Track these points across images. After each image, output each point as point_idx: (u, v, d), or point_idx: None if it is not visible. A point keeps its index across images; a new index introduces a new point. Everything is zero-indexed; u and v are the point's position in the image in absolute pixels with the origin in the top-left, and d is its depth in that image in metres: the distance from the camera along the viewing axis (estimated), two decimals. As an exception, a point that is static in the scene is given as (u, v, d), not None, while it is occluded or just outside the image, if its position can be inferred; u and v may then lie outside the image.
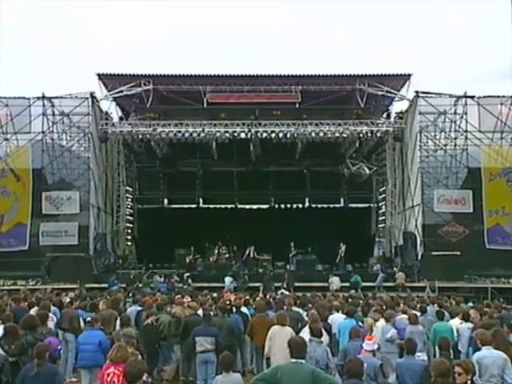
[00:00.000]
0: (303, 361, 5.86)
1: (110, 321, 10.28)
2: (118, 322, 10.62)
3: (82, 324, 11.23)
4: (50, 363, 6.94)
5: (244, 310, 12.69)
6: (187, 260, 28.62)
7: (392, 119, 30.75)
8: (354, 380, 6.14)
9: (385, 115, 31.67)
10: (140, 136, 29.86)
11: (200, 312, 11.51)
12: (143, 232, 35.06)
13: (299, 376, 5.58)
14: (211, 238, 30.55)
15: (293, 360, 5.82)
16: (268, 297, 17.37)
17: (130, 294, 17.35)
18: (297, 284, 25.54)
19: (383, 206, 34.45)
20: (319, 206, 37.42)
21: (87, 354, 8.96)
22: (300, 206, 37.69)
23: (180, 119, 29.67)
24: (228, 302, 12.31)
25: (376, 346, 8.11)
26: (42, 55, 63.28)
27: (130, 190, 35.41)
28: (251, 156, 32.89)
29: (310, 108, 29.39)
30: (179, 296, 16.03)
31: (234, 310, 12.42)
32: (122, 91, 29.45)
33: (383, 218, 34.28)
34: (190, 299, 14.93)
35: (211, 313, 11.51)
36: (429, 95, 28.14)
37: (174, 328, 11.13)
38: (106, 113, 30.69)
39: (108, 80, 29.40)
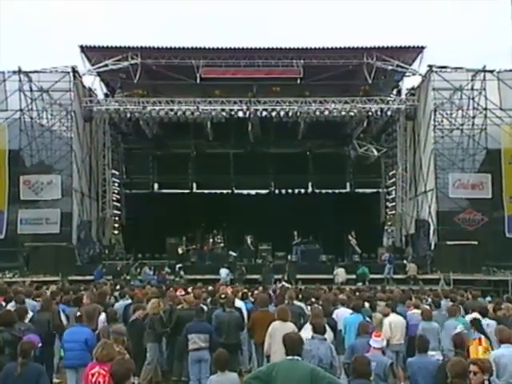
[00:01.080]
0: (299, 358, 5.85)
1: (93, 316, 10.27)
2: (102, 317, 10.62)
3: (64, 320, 11.22)
4: (34, 362, 6.92)
5: (239, 304, 12.72)
6: (179, 250, 28.68)
7: (403, 96, 30.63)
8: (361, 380, 6.13)
9: (395, 92, 31.54)
10: (127, 115, 29.71)
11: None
12: (131, 219, 35.06)
13: (296, 374, 5.57)
14: (206, 226, 30.59)
15: (288, 357, 5.81)
16: (267, 290, 17.38)
17: (117, 287, 17.34)
18: (299, 276, 25.60)
19: (393, 192, 34.45)
20: (323, 191, 37.41)
21: (73, 352, 8.94)
22: (302, 191, 37.67)
23: (171, 96, 29.53)
24: (224, 296, 12.29)
25: (385, 343, 8.10)
26: (17, 25, 62.73)
27: (117, 173, 35.35)
28: (249, 137, 32.79)
29: (313, 84, 29.22)
30: (171, 289, 16.04)
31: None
32: (107, 65, 29.24)
33: (393, 204, 34.29)
34: (183, 292, 14.96)
35: (204, 307, 11.52)
36: (444, 69, 27.99)
37: (155, 324, 11.12)
38: (90, 89, 30.51)
39: (92, 53, 29.17)
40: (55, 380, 10.97)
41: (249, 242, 29.91)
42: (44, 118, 28.46)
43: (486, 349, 8.61)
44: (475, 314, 11.47)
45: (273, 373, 5.58)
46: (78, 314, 9.76)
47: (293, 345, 5.91)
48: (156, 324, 11.04)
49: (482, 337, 8.94)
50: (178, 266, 27.05)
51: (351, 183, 37.93)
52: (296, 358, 5.79)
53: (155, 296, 12.39)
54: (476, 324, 9.58)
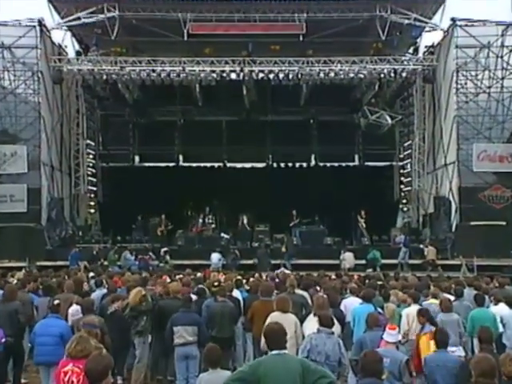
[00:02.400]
0: (286, 351, 5.85)
1: (64, 308, 10.29)
2: (74, 308, 10.63)
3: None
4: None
5: (237, 293, 12.74)
6: (158, 231, 28.80)
7: (421, 55, 30.46)
8: (371, 379, 6.07)
9: (412, 50, 31.32)
10: (104, 76, 29.52)
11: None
12: (109, 197, 35.03)
13: (285, 370, 5.53)
14: (194, 205, 30.60)
15: (274, 352, 5.79)
16: (266, 277, 17.43)
17: (92, 274, 17.38)
18: (301, 261, 25.74)
19: (409, 165, 34.43)
20: (328, 164, 37.37)
21: (45, 348, 8.97)
22: (305, 164, 37.63)
23: (154, 55, 29.29)
24: (216, 284, 12.31)
25: (400, 337, 8.13)
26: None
27: (93, 144, 35.22)
28: (244, 102, 32.63)
29: (318, 41, 29.01)
30: (155, 276, 16.06)
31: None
32: (79, 18, 28.91)
33: (409, 179, 34.29)
34: (168, 280, 14.97)
35: (193, 296, 11.52)
36: (469, 23, 27.79)
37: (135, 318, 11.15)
38: (60, 46, 30.26)
39: (61, 4, 28.85)
40: (23, 381, 11.00)
41: (244, 222, 29.96)
42: (6, 79, 28.24)
43: None
44: (502, 306, 11.53)
45: (259, 371, 5.56)
46: (57, 302, 9.73)
47: (277, 337, 5.88)
48: (141, 317, 11.06)
49: (433, 329, 9.01)
50: (162, 250, 27.12)
51: (360, 155, 37.87)
52: (283, 351, 5.78)
53: (135, 285, 12.38)
54: (424, 313, 9.72)
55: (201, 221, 29.76)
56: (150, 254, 26.85)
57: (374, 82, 30.32)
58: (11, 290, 11.08)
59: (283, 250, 27.14)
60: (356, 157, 38.07)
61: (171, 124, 36.77)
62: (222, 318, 10.87)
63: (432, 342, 8.54)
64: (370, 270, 25.09)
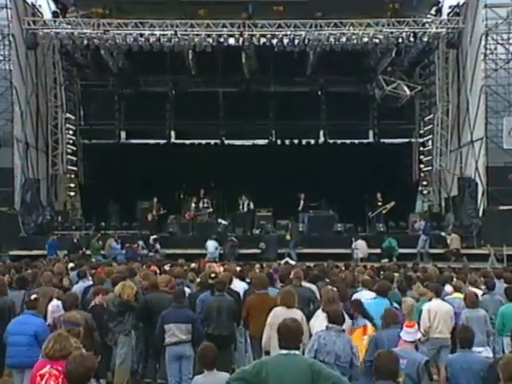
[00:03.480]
0: (297, 351, 5.85)
1: (42, 303, 10.30)
2: (54, 304, 10.65)
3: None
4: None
5: (238, 286, 12.81)
6: (149, 217, 28.85)
7: (445, 16, 30.29)
8: (386, 382, 6.11)
9: (434, 11, 31.18)
10: (84, 41, 29.34)
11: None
12: (92, 178, 35.01)
13: (292, 373, 5.54)
14: (188, 187, 30.57)
15: (283, 351, 5.78)
16: (268, 268, 17.44)
17: (73, 265, 17.42)
18: (308, 250, 25.77)
19: (430, 142, 34.36)
20: (339, 141, 37.31)
21: (18, 348, 8.98)
22: (312, 141, 37.58)
23: (142, 17, 29.11)
24: (213, 275, 12.34)
25: (419, 336, 8.13)
26: None
27: (73, 118, 35.12)
28: (243, 71, 32.50)
29: (327, 1, 28.84)
30: (144, 267, 16.09)
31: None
32: (55, -27, 28.87)
33: (429, 158, 34.23)
34: (157, 271, 15.00)
35: (186, 289, 11.54)
36: (500, -21, 27.67)
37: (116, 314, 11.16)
38: (34, 6, 30.14)
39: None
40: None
41: (244, 206, 29.94)
42: (-27, 44, 28.19)
43: (370, 338, 8.84)
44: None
45: (262, 372, 5.56)
46: (34, 296, 9.73)
47: (292, 336, 5.89)
48: (127, 312, 11.09)
49: (368, 324, 9.19)
50: (152, 237, 27.16)
51: (375, 131, 37.77)
52: (293, 352, 5.78)
53: (121, 277, 12.39)
54: (356, 305, 9.88)
55: (194, 205, 29.75)
56: (140, 242, 26.88)
57: (390, 48, 30.15)
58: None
59: (288, 237, 27.17)
60: (370, 133, 37.96)
61: (161, 96, 36.66)
62: (219, 313, 10.88)
63: (366, 338, 8.72)
64: (386, 260, 25.13)
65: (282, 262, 21.11)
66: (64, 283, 13.13)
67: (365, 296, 11.42)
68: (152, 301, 11.13)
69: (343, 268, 17.51)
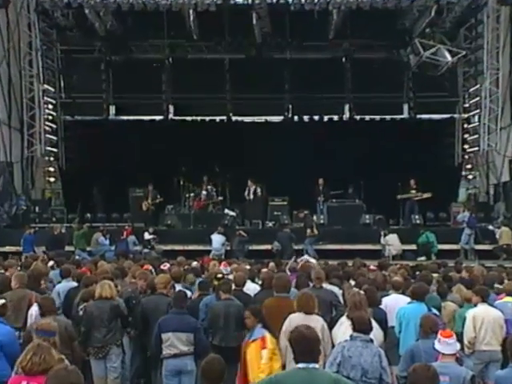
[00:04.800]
0: (317, 365, 5.88)
1: (20, 308, 10.35)
2: (35, 310, 10.70)
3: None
4: None
5: (251, 288, 12.92)
6: (143, 206, 28.90)
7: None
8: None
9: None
10: (66, -1, 29.38)
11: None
12: (75, 161, 35.03)
13: None
14: (189, 171, 30.58)
15: (300, 365, 5.83)
16: (283, 267, 17.49)
17: (52, 263, 17.50)
18: (330, 246, 25.79)
19: (476, 118, 34.19)
20: (367, 117, 37.08)
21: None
22: (336, 118, 37.35)
23: (133, -30, 29.12)
24: (219, 276, 12.38)
25: (458, 346, 8.13)
26: None
27: (52, 90, 35.02)
28: (254, 34, 32.44)
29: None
30: (137, 266, 16.13)
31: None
32: None
33: (475, 137, 34.06)
34: (153, 270, 15.08)
35: (188, 292, 11.64)
36: None
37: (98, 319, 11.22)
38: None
39: None
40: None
41: (254, 195, 29.90)
42: None
43: (273, 352, 8.92)
44: None
45: None
46: (2, 301, 9.79)
47: (308, 346, 5.92)
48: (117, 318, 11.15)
49: (267, 335, 9.18)
50: (147, 232, 27.23)
51: (411, 105, 37.53)
52: (312, 365, 5.81)
53: (109, 277, 12.48)
54: (255, 311, 9.80)
55: (205, 192, 29.75)
56: (132, 237, 26.96)
57: (429, 6, 29.96)
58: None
59: (309, 231, 27.08)
60: (404, 107, 37.70)
61: (157, 64, 36.51)
62: (226, 321, 10.93)
63: (265, 352, 8.75)
64: (423, 258, 25.15)
65: (300, 260, 21.05)
66: (45, 285, 13.18)
67: (398, 301, 11.47)
68: (148, 305, 11.21)
69: (372, 267, 17.52)
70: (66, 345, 9.46)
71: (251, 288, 13.05)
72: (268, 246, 26.54)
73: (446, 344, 7.86)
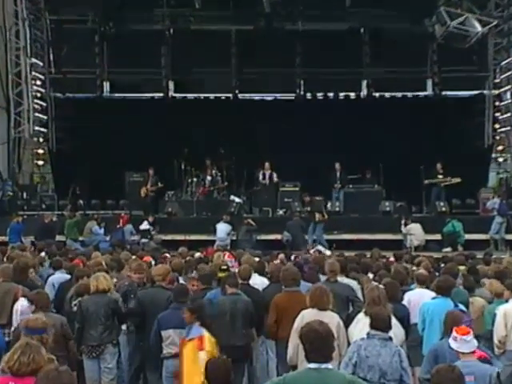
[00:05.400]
0: (330, 365, 5.90)
1: (4, 304, 10.37)
2: (21, 305, 10.74)
3: None
4: None
5: (257, 280, 12.92)
6: (142, 193, 28.90)
7: None
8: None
9: None
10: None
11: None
12: (66, 142, 34.92)
13: None
14: (191, 154, 30.56)
15: (312, 365, 5.85)
16: (295, 258, 17.52)
17: (43, 255, 17.54)
18: (346, 236, 25.85)
19: (508, 94, 34.11)
20: (387, 94, 37.00)
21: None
22: (352, 95, 37.29)
23: None
24: (224, 267, 12.40)
25: (476, 344, 8.07)
26: None
27: (41, 64, 34.99)
28: (263, 3, 32.38)
29: None
30: (134, 257, 16.19)
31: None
32: None
33: (507, 115, 33.96)
34: (153, 262, 15.10)
35: (188, 285, 11.69)
36: None
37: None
38: None
39: None
40: None
41: (263, 180, 29.87)
42: None
43: (211, 354, 8.84)
44: None
45: None
46: None
47: (321, 343, 5.93)
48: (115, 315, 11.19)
49: (205, 335, 9.21)
50: (146, 220, 27.27)
51: (435, 81, 37.39)
52: (324, 365, 5.83)
53: (104, 270, 12.52)
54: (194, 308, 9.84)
55: (209, 178, 29.74)
56: (129, 226, 27.00)
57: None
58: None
59: (318, 216, 27.06)
60: (428, 83, 37.59)
61: (156, 36, 36.39)
62: (232, 317, 10.96)
63: (202, 354, 8.77)
64: (448, 248, 25.12)
65: (312, 250, 21.11)
66: (33, 278, 13.21)
67: (421, 296, 11.47)
68: (144, 298, 11.25)
69: (392, 259, 17.54)
70: (61, 344, 9.53)
71: (258, 282, 13.07)
72: (278, 236, 26.55)
73: (463, 342, 7.82)
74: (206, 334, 9.31)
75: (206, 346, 9.11)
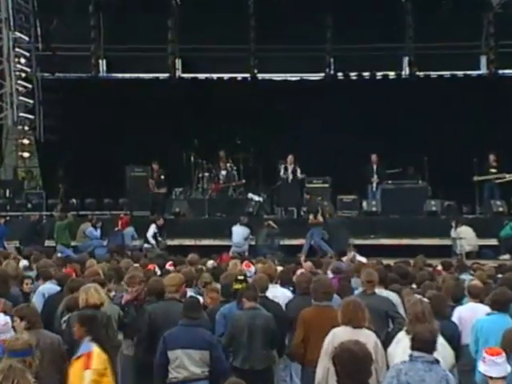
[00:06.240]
0: None
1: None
2: (6, 319, 10.77)
3: None
4: None
5: (278, 292, 12.92)
6: (148, 188, 28.98)
7: None
8: None
9: None
10: None
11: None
12: (56, 131, 35.04)
13: None
14: (202, 145, 30.62)
15: None
16: (325, 267, 17.50)
17: (27, 263, 17.62)
18: (385, 241, 25.82)
19: None
20: (433, 74, 36.96)
21: None
22: (392, 74, 37.29)
23: None
24: (241, 278, 12.41)
25: (509, 369, 8.04)
26: None
27: (26, 40, 35.11)
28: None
29: None
30: (137, 265, 16.23)
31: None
32: None
33: None
34: (158, 272, 15.12)
35: (199, 298, 11.72)
36: None
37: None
38: None
39: None
40: None
41: (286, 175, 29.85)
42: None
43: (100, 373, 8.82)
44: None
45: None
46: None
47: (355, 366, 5.95)
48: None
49: (94, 351, 9.06)
50: (155, 223, 27.31)
51: (490, 58, 37.34)
52: None
53: (101, 281, 12.53)
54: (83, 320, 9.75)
55: (224, 172, 29.75)
56: (130, 228, 27.05)
57: None
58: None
59: (311, 218, 27.07)
60: (482, 60, 37.53)
61: (161, 6, 36.58)
62: (251, 336, 10.93)
63: (88, 374, 8.71)
64: (507, 256, 25.04)
65: (347, 257, 21.06)
66: (15, 291, 13.28)
67: (475, 311, 11.43)
68: (156, 314, 11.23)
69: (440, 268, 17.51)
70: (57, 367, 9.57)
71: (280, 294, 13.06)
72: (303, 241, 26.53)
73: (492, 364, 7.79)
74: (95, 349, 9.14)
75: (93, 363, 8.95)
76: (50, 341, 9.03)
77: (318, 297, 11.25)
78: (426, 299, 10.78)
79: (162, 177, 29.68)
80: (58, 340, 9.67)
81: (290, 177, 29.57)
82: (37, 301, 12.71)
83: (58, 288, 13.36)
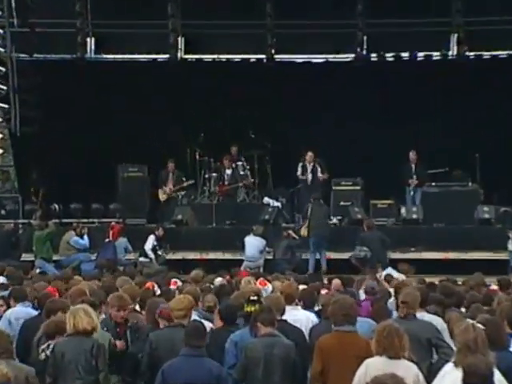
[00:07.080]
0: None
1: None
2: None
3: None
4: None
5: (299, 315, 12.87)
6: (162, 195, 29.17)
7: None
8: None
9: None
10: None
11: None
12: (35, 123, 35.14)
13: None
14: (210, 139, 30.67)
15: None
16: (355, 285, 17.47)
17: (3, 280, 17.66)
18: (428, 255, 25.76)
19: None
20: (486, 54, 36.89)
21: None
22: (436, 54, 37.25)
23: None
24: (255, 298, 12.38)
25: None
26: None
27: (4, 14, 35.32)
28: None
29: None
30: (132, 283, 16.23)
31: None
32: None
33: None
34: (158, 291, 15.10)
35: (208, 324, 11.69)
36: None
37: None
38: None
39: None
40: None
41: (308, 175, 29.89)
42: None
43: None
44: None
45: None
46: None
47: None
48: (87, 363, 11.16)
49: None
50: (154, 234, 27.37)
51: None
52: None
53: (89, 301, 12.47)
54: None
55: (229, 171, 29.78)
56: (123, 239, 27.10)
57: None
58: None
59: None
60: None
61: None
62: (268, 368, 10.86)
63: None
64: None
65: (382, 274, 21.04)
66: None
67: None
68: (160, 343, 11.23)
69: (495, 287, 17.43)
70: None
71: (303, 318, 13.08)
72: (330, 254, 26.49)
73: None
74: None
75: None
76: (15, 374, 8.95)
77: (337, 320, 11.13)
78: (479, 325, 10.70)
79: (184, 178, 29.71)
80: (27, 373, 9.60)
81: (310, 177, 29.56)
82: (3, 328, 12.61)
83: (32, 311, 13.25)
